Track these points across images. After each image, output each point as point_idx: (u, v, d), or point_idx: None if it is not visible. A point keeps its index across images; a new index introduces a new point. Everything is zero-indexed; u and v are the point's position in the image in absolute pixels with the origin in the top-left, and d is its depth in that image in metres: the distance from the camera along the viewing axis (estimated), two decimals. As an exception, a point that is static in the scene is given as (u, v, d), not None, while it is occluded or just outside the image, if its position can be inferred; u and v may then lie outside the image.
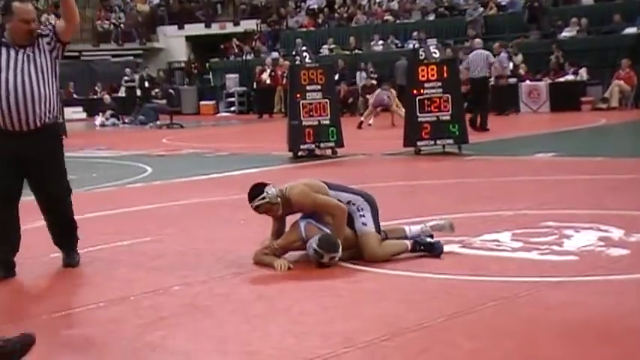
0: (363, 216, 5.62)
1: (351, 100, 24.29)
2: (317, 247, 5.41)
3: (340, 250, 5.45)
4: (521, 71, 22.68)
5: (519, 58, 23.04)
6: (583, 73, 21.89)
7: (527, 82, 22.03)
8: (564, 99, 20.93)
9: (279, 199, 5.54)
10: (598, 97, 21.22)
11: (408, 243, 5.73)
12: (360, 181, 9.83)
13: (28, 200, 9.95)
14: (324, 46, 27.92)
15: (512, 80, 22.41)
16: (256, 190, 5.63)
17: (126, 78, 29.11)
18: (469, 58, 17.40)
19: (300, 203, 5.56)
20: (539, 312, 4.36)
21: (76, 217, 5.98)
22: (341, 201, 5.62)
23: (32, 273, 5.81)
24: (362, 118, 18.96)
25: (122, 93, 29.27)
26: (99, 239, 6.79)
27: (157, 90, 26.17)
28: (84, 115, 28.72)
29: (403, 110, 18.46)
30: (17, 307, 4.86)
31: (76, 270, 5.78)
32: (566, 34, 23.78)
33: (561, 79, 21.97)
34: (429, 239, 5.82)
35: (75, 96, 30.67)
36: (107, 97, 26.68)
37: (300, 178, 5.84)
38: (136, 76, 28.96)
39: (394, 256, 5.63)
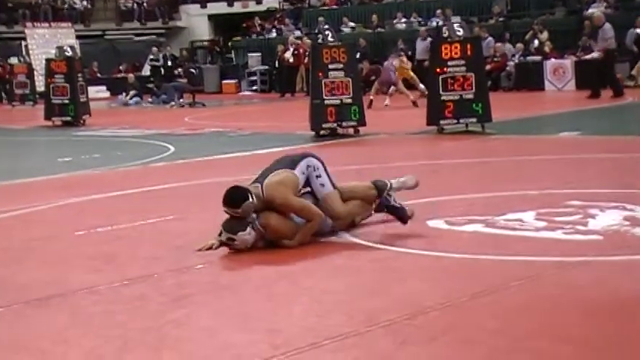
0: (320, 176, 5.66)
1: (373, 78, 24.13)
2: (221, 225, 5.44)
3: (241, 236, 5.36)
4: (547, 49, 22.45)
5: (544, 35, 22.79)
6: (610, 50, 21.60)
7: (552, 59, 21.80)
8: (590, 77, 20.69)
9: (254, 216, 5.43)
10: (625, 74, 20.95)
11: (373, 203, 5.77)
12: (382, 160, 9.81)
13: (50, 179, 10.04)
14: (347, 25, 27.79)
15: (537, 58, 22.20)
16: (239, 196, 5.40)
17: (152, 57, 29.20)
18: (605, 30, 17.34)
19: (282, 206, 5.49)
20: (564, 291, 4.33)
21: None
22: (304, 172, 5.63)
23: (56, 251, 5.86)
24: (370, 97, 18.76)
25: (146, 72, 29.35)
26: (123, 218, 6.83)
27: (179, 69, 26.21)
28: (107, 94, 28.88)
29: (410, 92, 18.54)
30: (40, 284, 4.91)
31: (100, 248, 5.83)
32: (593, 10, 23.46)
33: (587, 57, 21.70)
34: (394, 202, 5.80)
35: (99, 75, 30.84)
36: (131, 76, 26.78)
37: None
38: (160, 55, 29.04)
39: (360, 216, 5.81)
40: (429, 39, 22.03)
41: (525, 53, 22.74)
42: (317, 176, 5.68)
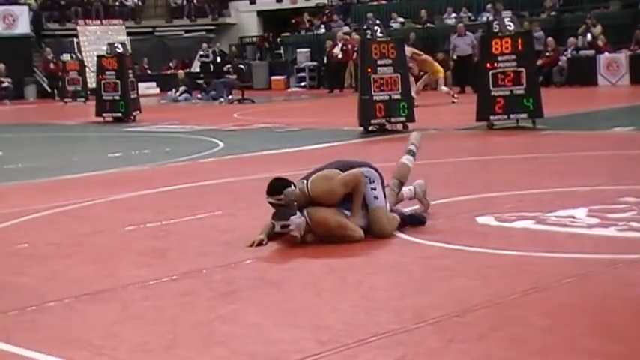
0: (375, 189, 5.59)
1: (422, 73, 23.91)
2: (271, 219, 5.46)
3: (294, 220, 5.38)
4: (600, 43, 22.06)
5: (598, 29, 22.39)
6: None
7: (606, 54, 21.42)
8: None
9: (295, 203, 5.45)
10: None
11: (398, 216, 5.75)
12: (431, 156, 9.73)
13: (100, 174, 10.17)
14: (396, 20, 27.66)
15: (590, 52, 21.84)
16: (281, 184, 5.50)
17: (201, 53, 29.43)
18: None
19: (325, 196, 5.50)
20: (616, 289, 4.25)
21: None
22: None
23: (106, 245, 5.93)
24: (452, 92, 18.63)
25: (196, 68, 29.61)
26: (172, 213, 6.89)
27: (228, 65, 26.38)
28: (157, 91, 29.19)
29: (415, 87, 18.16)
30: (91, 279, 4.97)
31: (150, 243, 5.88)
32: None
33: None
34: (407, 210, 5.94)
35: (149, 71, 31.19)
36: (181, 73, 27.03)
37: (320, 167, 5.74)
38: (209, 51, 29.27)
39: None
40: (470, 34, 21.91)
41: (578, 48, 22.38)
42: (372, 189, 5.59)
